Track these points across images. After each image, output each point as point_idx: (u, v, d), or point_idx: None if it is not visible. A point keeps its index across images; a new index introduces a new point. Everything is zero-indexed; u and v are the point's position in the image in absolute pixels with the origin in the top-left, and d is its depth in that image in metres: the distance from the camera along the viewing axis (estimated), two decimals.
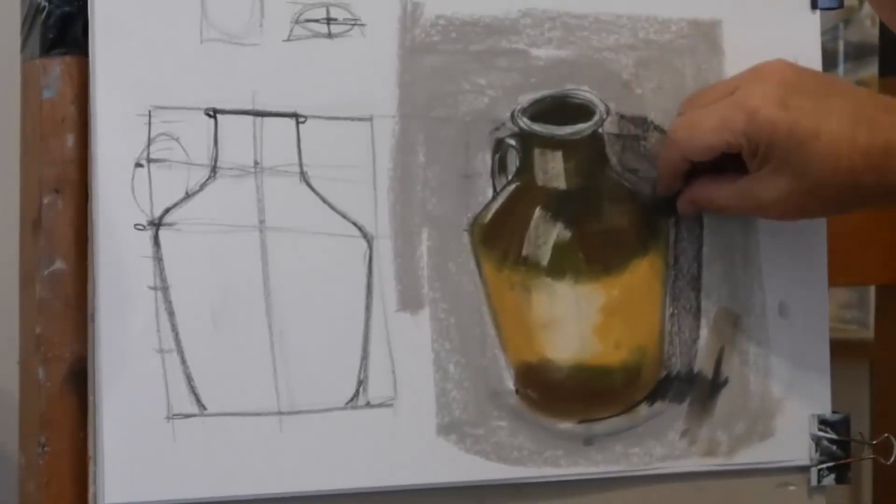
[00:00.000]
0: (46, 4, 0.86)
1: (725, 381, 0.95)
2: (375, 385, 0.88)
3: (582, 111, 0.93)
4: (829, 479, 0.97)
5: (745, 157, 0.88)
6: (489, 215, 0.91)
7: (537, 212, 0.92)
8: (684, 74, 0.95)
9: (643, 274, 0.93)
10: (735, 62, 0.96)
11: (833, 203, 0.89)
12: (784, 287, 0.96)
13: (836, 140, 0.86)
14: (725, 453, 0.95)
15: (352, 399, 0.88)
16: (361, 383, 0.88)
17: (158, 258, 0.85)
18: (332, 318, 0.88)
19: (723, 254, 0.96)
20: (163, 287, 0.85)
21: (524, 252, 0.91)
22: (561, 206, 0.92)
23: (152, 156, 0.85)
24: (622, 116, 0.94)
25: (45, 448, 0.85)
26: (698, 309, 0.95)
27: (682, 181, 0.93)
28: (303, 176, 0.88)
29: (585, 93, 0.93)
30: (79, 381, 0.85)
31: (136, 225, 0.85)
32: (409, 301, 0.89)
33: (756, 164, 0.88)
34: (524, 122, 0.92)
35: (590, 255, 0.92)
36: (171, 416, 0.85)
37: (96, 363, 0.84)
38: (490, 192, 0.91)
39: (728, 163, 0.91)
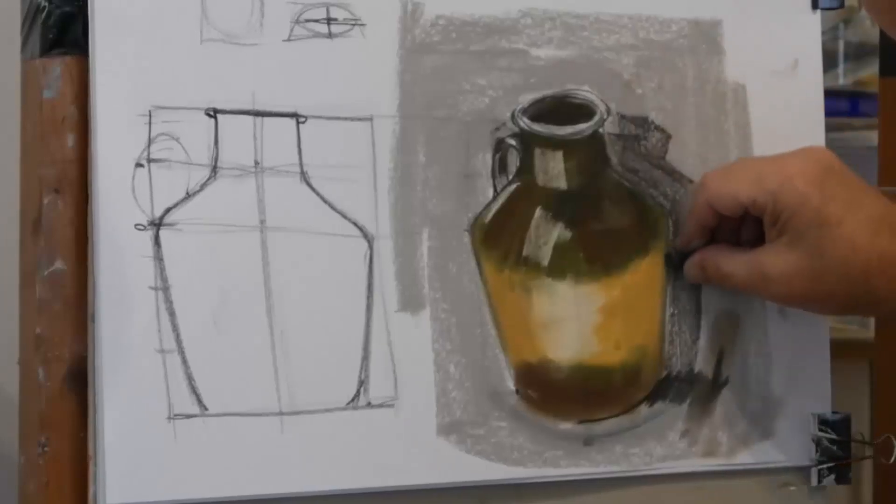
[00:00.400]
0: (46, 4, 0.86)
1: (726, 382, 0.95)
2: (376, 385, 0.88)
3: (582, 111, 0.93)
4: (830, 480, 0.97)
5: (766, 223, 0.88)
6: (490, 215, 0.91)
7: (538, 212, 0.92)
8: (685, 74, 0.95)
9: (644, 274, 0.93)
10: (736, 62, 0.96)
11: (837, 297, 0.87)
12: None
13: (857, 233, 0.85)
14: (726, 454, 0.95)
15: (352, 399, 0.88)
16: (362, 383, 0.88)
17: (159, 258, 0.85)
18: (332, 319, 0.88)
19: None
20: (163, 287, 0.85)
21: (525, 252, 0.91)
22: (561, 206, 0.92)
23: (153, 156, 0.85)
24: (623, 116, 0.94)
25: (45, 448, 0.85)
26: (699, 309, 0.95)
27: (702, 238, 0.92)
28: (303, 176, 0.88)
29: (586, 93, 0.93)
30: (79, 381, 0.85)
31: (136, 225, 0.85)
32: (410, 301, 0.89)
33: (774, 233, 0.88)
34: (524, 122, 0.92)
35: (590, 256, 0.92)
36: (172, 417, 0.85)
37: (96, 363, 0.84)
38: (490, 192, 0.91)
39: (747, 242, 0.91)
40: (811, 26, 0.98)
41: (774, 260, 0.88)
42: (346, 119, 0.88)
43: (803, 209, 0.86)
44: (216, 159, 0.86)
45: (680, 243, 0.93)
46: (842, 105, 2.12)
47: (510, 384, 0.91)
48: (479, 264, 0.91)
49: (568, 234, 0.92)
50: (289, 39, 0.88)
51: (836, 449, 0.97)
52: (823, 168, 0.87)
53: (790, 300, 0.90)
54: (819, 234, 0.86)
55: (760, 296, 0.93)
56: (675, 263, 0.94)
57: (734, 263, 0.90)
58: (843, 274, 0.86)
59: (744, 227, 0.92)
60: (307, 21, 0.88)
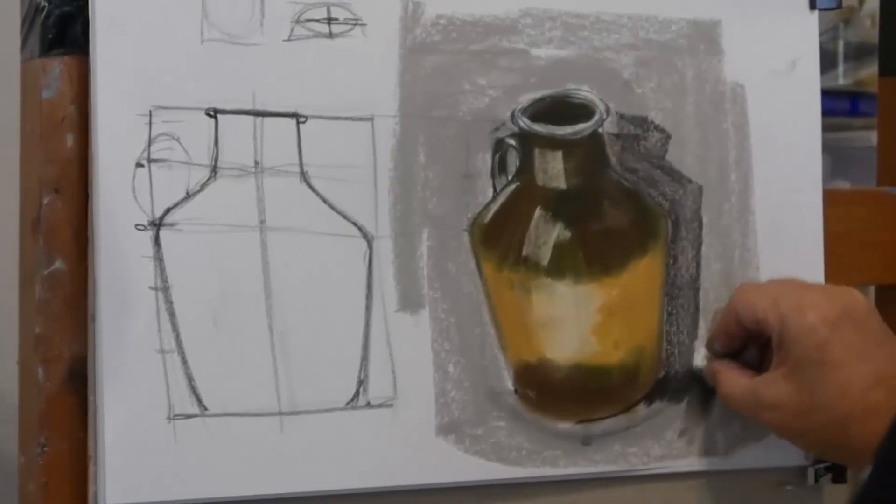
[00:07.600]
0: (46, 4, 0.86)
1: None
2: (375, 385, 0.88)
3: (582, 111, 0.93)
4: (826, 479, 0.97)
5: (774, 346, 0.89)
6: (489, 215, 0.91)
7: (537, 212, 0.92)
8: (684, 74, 0.95)
9: (642, 274, 0.93)
10: (735, 62, 0.96)
11: (816, 438, 0.88)
12: None
13: (852, 381, 0.85)
14: (723, 453, 0.95)
15: (352, 399, 0.88)
16: (361, 383, 0.88)
17: (159, 258, 0.85)
18: (332, 319, 0.88)
19: (722, 254, 0.96)
20: (163, 287, 0.85)
21: (524, 252, 0.91)
22: (561, 206, 0.92)
23: (153, 156, 0.85)
24: (622, 116, 0.94)
25: (45, 448, 0.85)
26: (697, 309, 0.95)
27: (725, 345, 0.93)
28: (303, 176, 0.88)
29: (586, 92, 0.93)
30: (79, 381, 0.85)
31: (136, 225, 0.85)
32: (409, 301, 0.89)
33: (776, 361, 0.89)
34: (524, 122, 0.92)
35: (589, 256, 0.92)
36: (172, 417, 0.85)
37: (96, 363, 0.84)
38: (490, 192, 0.91)
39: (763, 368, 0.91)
40: (809, 26, 0.98)
41: (770, 389, 0.88)
42: (346, 119, 0.89)
43: (806, 343, 0.87)
44: (216, 159, 0.86)
45: (706, 342, 0.94)
46: (841, 105, 2.13)
47: (509, 384, 0.91)
48: (478, 264, 0.91)
49: (567, 234, 0.92)
50: (289, 39, 0.88)
51: None
52: (841, 309, 0.87)
53: (779, 431, 0.91)
54: (815, 372, 0.86)
55: (755, 421, 0.92)
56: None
57: (734, 385, 0.91)
58: (827, 418, 0.86)
59: (766, 352, 0.92)
60: (308, 21, 0.88)
